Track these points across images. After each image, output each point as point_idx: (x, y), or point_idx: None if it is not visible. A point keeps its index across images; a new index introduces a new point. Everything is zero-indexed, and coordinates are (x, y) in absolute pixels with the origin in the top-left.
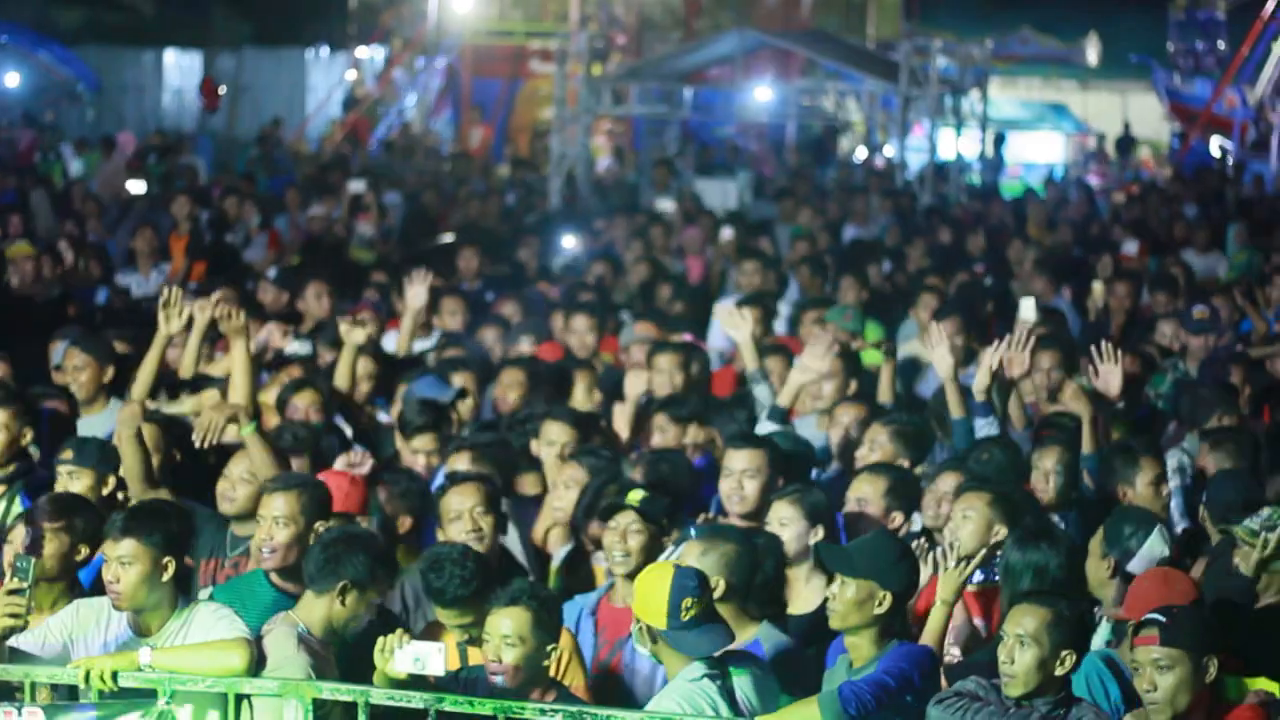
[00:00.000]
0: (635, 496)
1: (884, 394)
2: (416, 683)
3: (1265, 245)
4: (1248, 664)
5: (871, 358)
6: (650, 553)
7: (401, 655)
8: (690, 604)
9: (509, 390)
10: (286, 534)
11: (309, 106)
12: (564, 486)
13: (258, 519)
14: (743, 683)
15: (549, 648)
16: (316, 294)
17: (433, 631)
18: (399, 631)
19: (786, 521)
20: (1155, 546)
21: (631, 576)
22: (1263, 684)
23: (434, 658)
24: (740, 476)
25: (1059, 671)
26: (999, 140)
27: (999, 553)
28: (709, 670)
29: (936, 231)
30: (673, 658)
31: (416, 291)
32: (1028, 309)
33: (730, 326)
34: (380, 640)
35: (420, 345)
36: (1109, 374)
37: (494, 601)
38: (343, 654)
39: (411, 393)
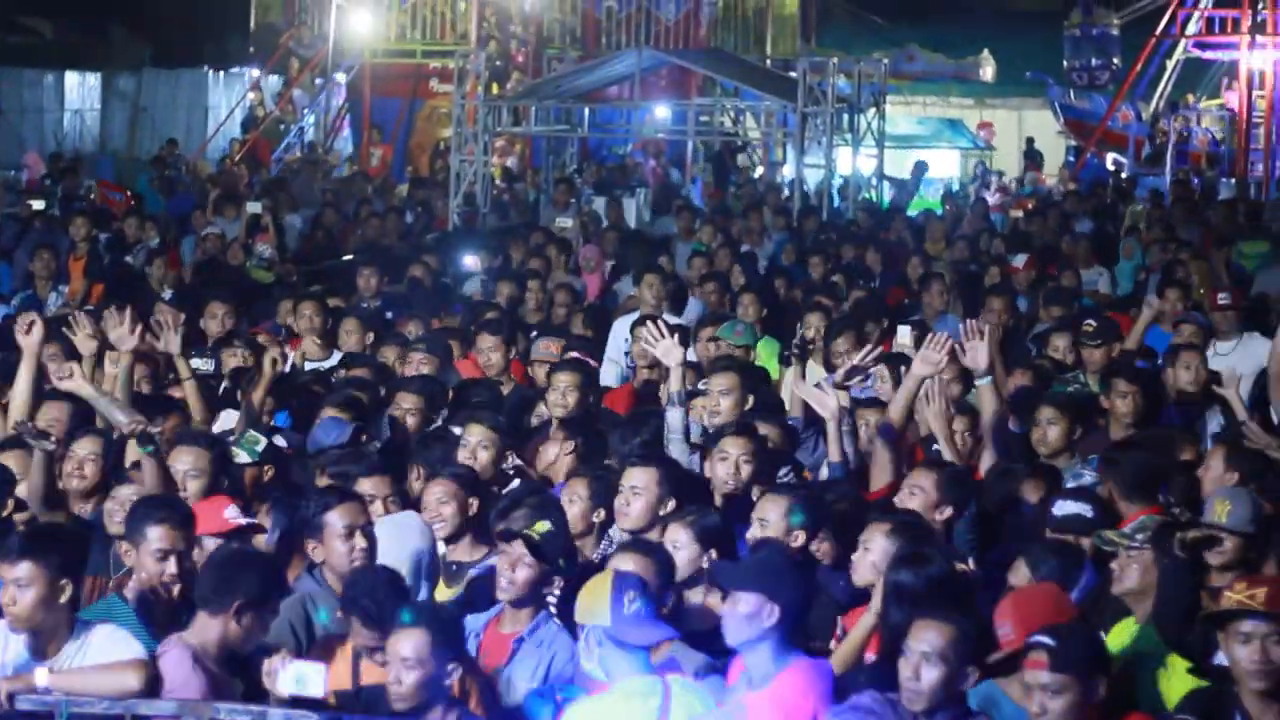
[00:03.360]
0: (540, 527)
1: (794, 409)
2: (316, 703)
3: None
4: None
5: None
6: (537, 585)
7: (283, 676)
8: (632, 597)
9: (408, 415)
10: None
11: (210, 127)
12: (437, 503)
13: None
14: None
15: (449, 667)
16: (215, 314)
17: (324, 650)
18: (282, 651)
19: (680, 545)
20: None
21: (516, 604)
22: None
23: (313, 678)
24: (629, 493)
25: (963, 687)
26: (920, 167)
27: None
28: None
29: (836, 248)
30: (617, 662)
31: (120, 334)
32: (904, 335)
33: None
34: (265, 662)
35: (324, 365)
36: (976, 350)
37: (393, 623)
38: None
39: (315, 439)
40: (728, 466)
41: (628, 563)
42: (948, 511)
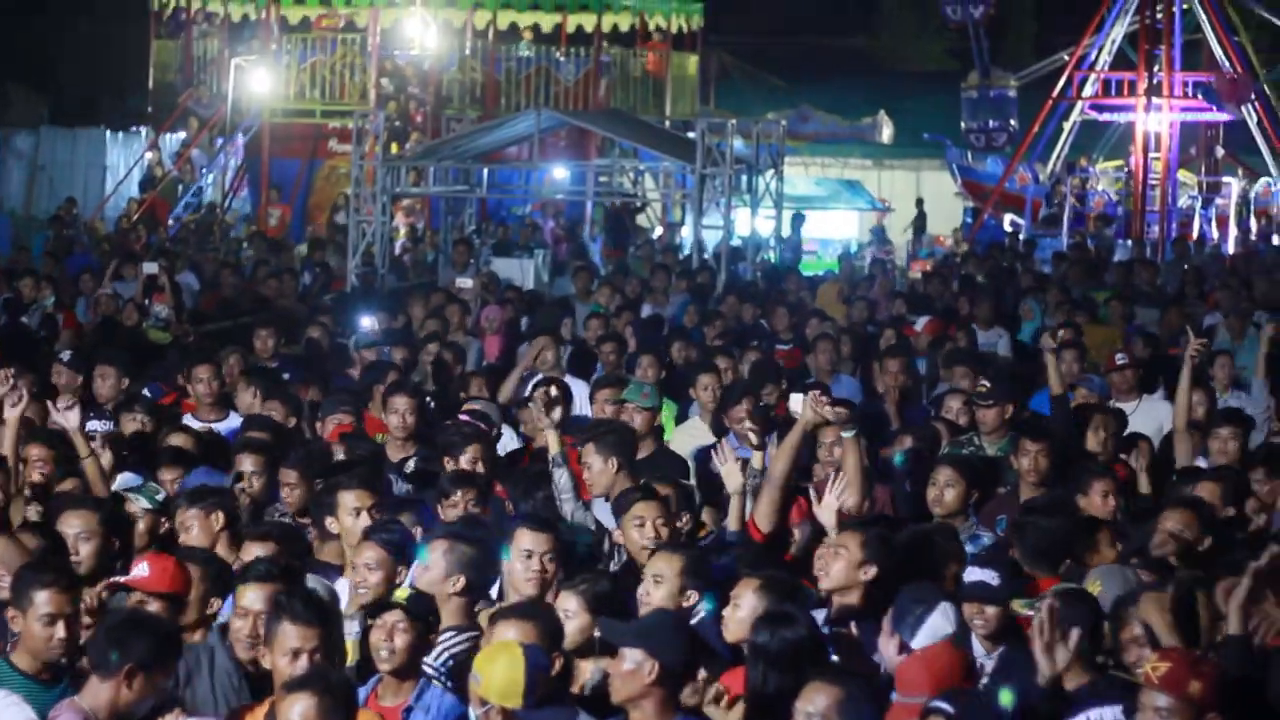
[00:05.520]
0: (402, 594)
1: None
2: None
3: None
4: None
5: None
6: (416, 649)
7: None
8: (544, 679)
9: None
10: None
11: (108, 186)
12: (365, 568)
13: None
14: None
15: None
16: (104, 376)
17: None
18: (175, 710)
19: (571, 614)
20: (939, 624)
21: (397, 674)
22: None
23: None
24: (521, 556)
25: None
26: (797, 220)
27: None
28: None
29: (737, 309)
30: None
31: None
32: (796, 403)
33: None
34: None
35: (219, 426)
36: (825, 509)
37: (284, 686)
38: None
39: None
40: (646, 531)
41: (512, 629)
42: (872, 571)
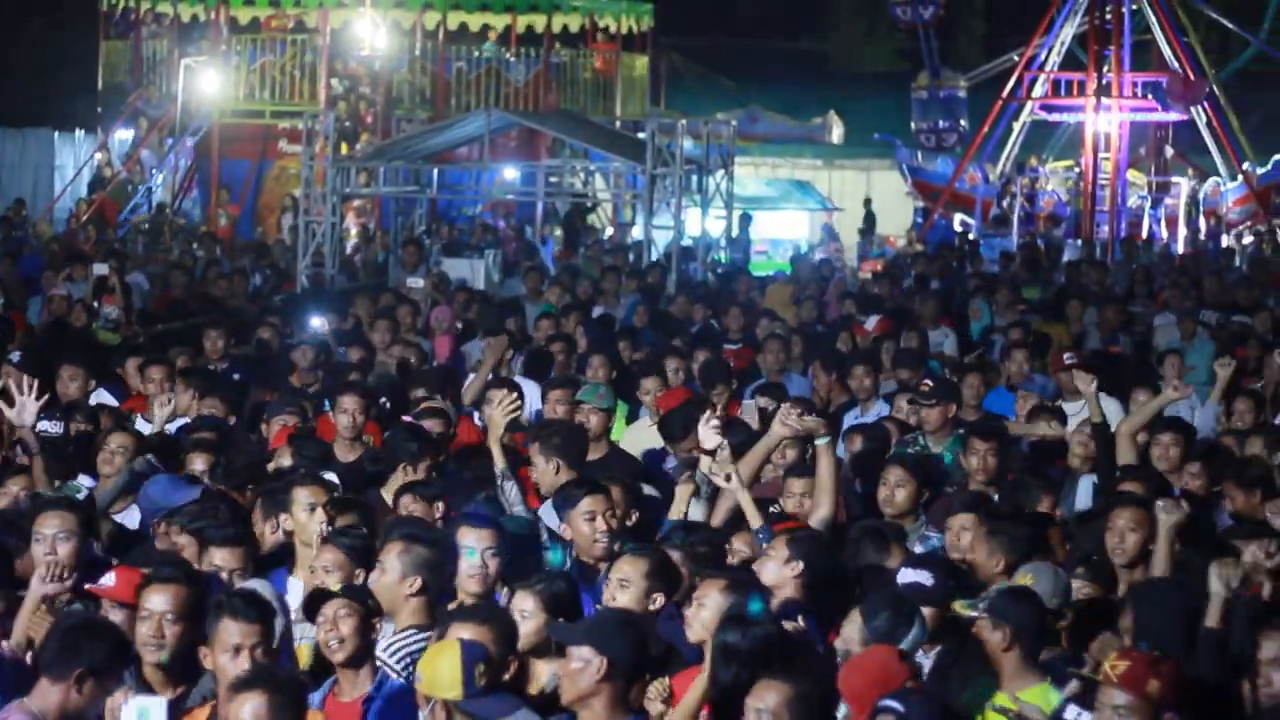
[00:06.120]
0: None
1: None
2: None
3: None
4: None
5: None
6: (363, 634)
7: (125, 710)
8: (483, 669)
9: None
10: None
11: (57, 187)
12: (323, 570)
13: None
14: None
15: None
16: (71, 376)
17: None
18: (124, 687)
19: (527, 615)
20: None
21: (349, 664)
22: None
23: (156, 711)
24: (464, 554)
25: None
26: (745, 220)
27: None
28: None
29: (687, 309)
30: None
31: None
32: (749, 411)
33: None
34: (109, 700)
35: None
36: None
37: (231, 686)
38: None
39: (155, 498)
40: (597, 524)
41: (467, 630)
42: (798, 567)
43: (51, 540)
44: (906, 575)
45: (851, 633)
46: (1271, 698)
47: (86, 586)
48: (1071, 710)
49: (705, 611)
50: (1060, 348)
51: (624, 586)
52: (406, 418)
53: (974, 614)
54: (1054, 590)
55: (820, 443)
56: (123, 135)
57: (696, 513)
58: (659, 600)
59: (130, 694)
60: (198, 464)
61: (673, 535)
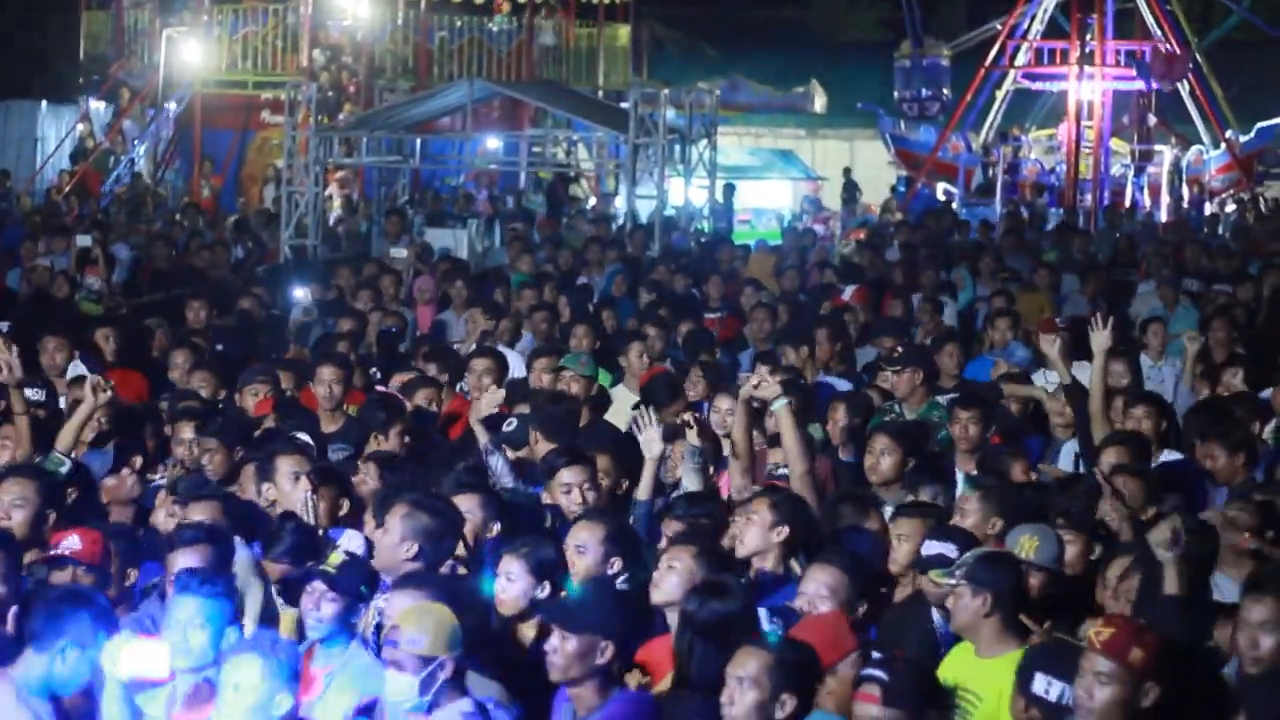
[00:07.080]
0: (334, 559)
1: None
2: None
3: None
4: None
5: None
6: (343, 620)
7: (126, 655)
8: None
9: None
10: None
11: (39, 158)
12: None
13: None
14: None
15: (278, 697)
16: (56, 348)
17: None
18: (124, 631)
19: (514, 577)
20: None
21: (325, 640)
22: None
23: (157, 657)
24: None
25: (778, 715)
26: (729, 190)
27: None
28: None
29: (669, 279)
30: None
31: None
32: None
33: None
34: (107, 644)
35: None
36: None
37: (226, 651)
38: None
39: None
40: (574, 497)
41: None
42: (785, 532)
43: (7, 506)
44: (931, 547)
45: (810, 588)
46: (1257, 661)
47: (55, 552)
48: (1041, 681)
49: (674, 575)
50: (1042, 316)
51: (581, 553)
52: (380, 388)
53: (951, 582)
54: (1056, 552)
55: (775, 406)
56: (103, 106)
57: (691, 484)
58: (616, 564)
59: (130, 638)
60: (185, 432)
61: (675, 506)
